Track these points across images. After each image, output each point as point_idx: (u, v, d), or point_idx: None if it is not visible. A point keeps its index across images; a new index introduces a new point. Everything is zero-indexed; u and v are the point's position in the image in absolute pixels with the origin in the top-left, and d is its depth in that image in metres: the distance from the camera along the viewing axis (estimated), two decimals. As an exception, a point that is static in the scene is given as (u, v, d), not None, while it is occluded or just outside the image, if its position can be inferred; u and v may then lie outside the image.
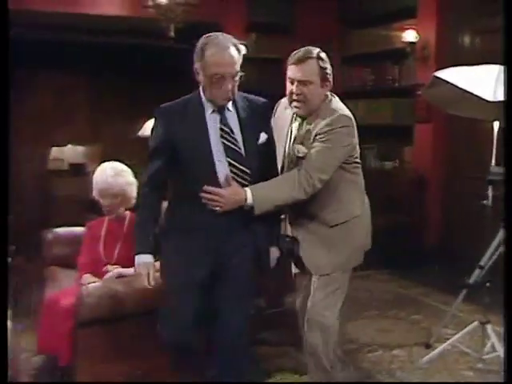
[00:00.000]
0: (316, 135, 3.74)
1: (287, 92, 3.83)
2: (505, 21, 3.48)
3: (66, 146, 9.28)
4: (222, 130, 3.60)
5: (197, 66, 3.50)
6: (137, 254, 3.64)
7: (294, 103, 3.80)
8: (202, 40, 3.53)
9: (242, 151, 3.63)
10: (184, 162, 3.61)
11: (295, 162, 3.85)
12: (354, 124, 3.83)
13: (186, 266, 3.65)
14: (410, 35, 8.23)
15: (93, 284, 4.31)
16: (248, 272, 3.81)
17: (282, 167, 3.96)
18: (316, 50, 3.90)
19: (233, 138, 3.63)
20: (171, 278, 3.73)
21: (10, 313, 3.67)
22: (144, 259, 3.62)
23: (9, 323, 3.58)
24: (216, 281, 3.72)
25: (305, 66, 3.78)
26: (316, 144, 3.73)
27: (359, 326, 6.09)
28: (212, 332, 3.87)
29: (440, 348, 5.14)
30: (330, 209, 3.95)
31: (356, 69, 9.46)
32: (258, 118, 3.72)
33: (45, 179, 9.09)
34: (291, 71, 3.79)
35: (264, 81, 8.82)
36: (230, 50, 3.48)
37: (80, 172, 8.91)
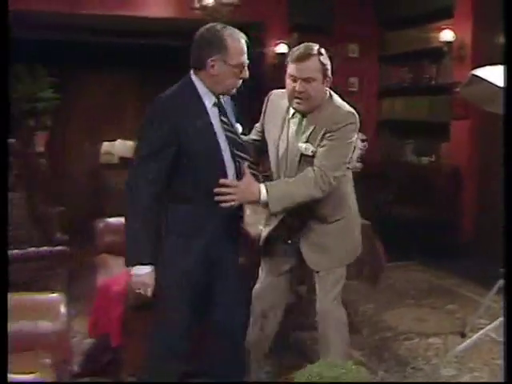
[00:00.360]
0: (325, 133, 3.68)
1: (288, 89, 3.73)
2: (505, 20, 3.43)
3: (115, 141, 9.40)
4: (223, 122, 3.51)
5: (216, 57, 3.36)
6: (138, 265, 3.40)
7: (297, 100, 3.71)
8: (215, 31, 3.42)
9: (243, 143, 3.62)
10: (192, 159, 3.41)
11: (299, 159, 3.79)
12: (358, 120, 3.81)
13: (185, 269, 3.51)
14: (446, 35, 8.18)
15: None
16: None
17: (278, 163, 3.88)
18: (316, 47, 3.78)
19: (234, 129, 3.59)
20: (170, 281, 3.52)
21: (64, 298, 3.74)
22: (147, 270, 3.40)
23: (62, 308, 3.67)
24: (216, 281, 3.66)
25: (307, 63, 3.68)
26: (327, 142, 3.69)
27: (396, 314, 6.13)
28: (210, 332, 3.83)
29: (474, 337, 5.14)
30: (330, 205, 3.91)
31: (394, 68, 9.44)
32: (232, 111, 3.67)
33: (96, 172, 9.21)
34: (293, 69, 3.69)
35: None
36: (244, 40, 3.45)
37: (129, 165, 8.95)
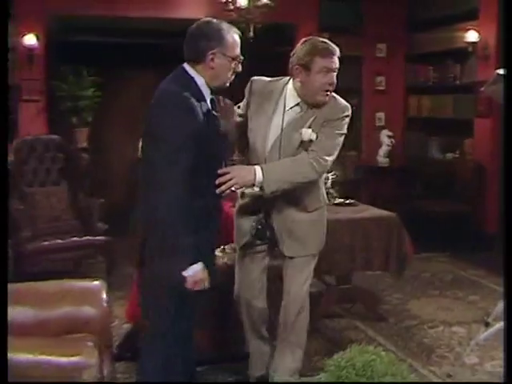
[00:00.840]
0: (324, 122, 3.70)
1: (319, 83, 3.65)
2: (505, 20, 3.36)
3: (154, 136, 9.41)
4: (215, 116, 3.39)
5: (216, 50, 3.27)
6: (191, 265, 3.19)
7: (327, 93, 3.70)
8: (213, 24, 3.35)
9: None
10: (208, 152, 3.27)
11: (297, 145, 3.74)
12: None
13: None
14: (471, 36, 8.11)
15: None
16: None
17: (267, 150, 3.79)
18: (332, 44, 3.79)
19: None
20: None
21: (105, 285, 3.75)
22: (199, 266, 3.20)
23: (103, 294, 3.68)
24: None
25: (337, 56, 3.73)
26: (326, 130, 3.70)
27: (421, 303, 6.10)
28: None
29: (497, 326, 5.07)
30: (310, 195, 3.90)
31: (420, 67, 9.36)
32: None
33: (134, 166, 9.23)
34: (331, 62, 3.69)
35: (338, 76, 8.78)
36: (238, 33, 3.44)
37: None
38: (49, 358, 2.84)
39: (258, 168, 3.54)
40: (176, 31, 8.97)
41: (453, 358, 4.84)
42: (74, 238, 6.39)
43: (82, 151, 7.67)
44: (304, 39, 3.82)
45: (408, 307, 5.98)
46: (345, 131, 3.80)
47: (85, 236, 6.47)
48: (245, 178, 3.50)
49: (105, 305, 3.63)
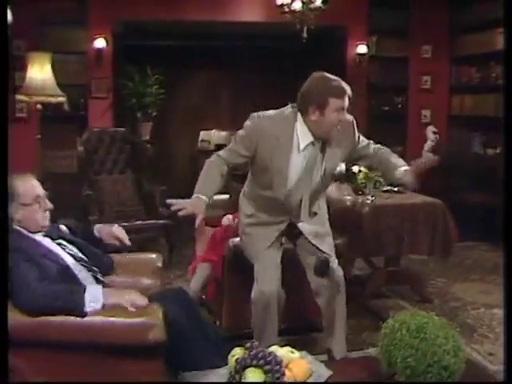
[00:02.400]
0: (357, 143, 3.73)
1: (335, 120, 3.47)
2: (505, 20, 3.19)
3: (212, 130, 9.45)
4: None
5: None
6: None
7: (336, 129, 3.52)
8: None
9: None
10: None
11: (318, 180, 3.63)
12: None
13: None
14: (513, 37, 7.90)
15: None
16: None
17: (295, 186, 3.62)
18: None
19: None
20: None
21: (161, 258, 3.79)
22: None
23: (159, 266, 3.71)
24: None
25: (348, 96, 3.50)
26: (364, 142, 3.77)
27: (464, 287, 5.98)
28: None
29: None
30: (321, 200, 3.83)
31: (464, 67, 9.18)
32: None
33: (195, 156, 9.29)
34: (344, 102, 3.46)
35: (387, 76, 9.07)
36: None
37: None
38: (117, 319, 2.83)
39: None
40: (233, 34, 9.09)
41: (493, 338, 4.75)
42: (139, 222, 6.40)
43: (145, 143, 7.66)
44: (314, 75, 3.59)
45: (452, 290, 5.87)
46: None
47: (148, 220, 6.49)
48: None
49: (161, 276, 3.68)
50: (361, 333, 4.76)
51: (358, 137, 3.73)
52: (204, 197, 3.47)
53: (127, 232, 5.95)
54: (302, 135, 3.54)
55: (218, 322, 4.40)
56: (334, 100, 3.43)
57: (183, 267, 6.20)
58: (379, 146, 3.81)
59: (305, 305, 4.31)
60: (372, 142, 3.83)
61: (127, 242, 3.50)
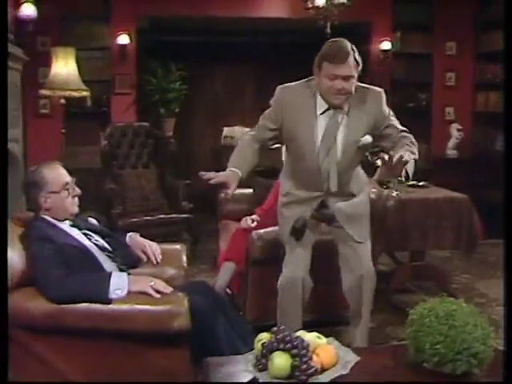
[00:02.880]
0: (384, 117, 3.54)
1: (331, 87, 3.33)
2: (505, 20, 3.12)
3: (235, 126, 9.42)
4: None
5: None
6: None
7: (338, 96, 3.36)
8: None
9: None
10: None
11: (354, 150, 3.54)
12: None
13: None
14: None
15: (264, 230, 4.32)
16: None
17: (315, 155, 3.51)
18: (349, 44, 3.37)
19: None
20: None
21: (184, 249, 3.77)
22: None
23: (183, 257, 3.70)
24: None
25: (349, 63, 3.29)
26: (393, 122, 3.60)
27: (488, 284, 5.92)
28: None
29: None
30: (354, 181, 3.69)
31: (488, 64, 9.08)
32: None
33: (218, 152, 9.28)
34: (338, 69, 3.28)
35: (411, 72, 8.99)
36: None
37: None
38: (142, 306, 2.83)
39: None
40: (256, 29, 9.08)
41: (519, 334, 4.66)
42: (161, 216, 6.41)
43: (169, 138, 7.68)
44: (331, 40, 3.49)
45: (476, 286, 5.82)
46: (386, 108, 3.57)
47: (171, 214, 6.48)
48: None
49: (185, 266, 3.66)
50: (385, 327, 4.74)
51: (388, 113, 3.59)
52: (237, 170, 3.41)
53: (150, 225, 6.07)
54: (320, 102, 3.48)
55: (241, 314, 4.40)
56: (326, 64, 3.31)
57: (206, 261, 6.24)
58: (404, 133, 3.60)
59: (332, 297, 4.27)
60: (401, 127, 3.63)
61: (155, 261, 3.44)
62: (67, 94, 6.43)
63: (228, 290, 4.71)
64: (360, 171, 3.81)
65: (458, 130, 8.80)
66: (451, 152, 8.86)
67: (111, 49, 8.30)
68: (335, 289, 3.86)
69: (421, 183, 5.53)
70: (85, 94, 6.63)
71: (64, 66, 6.41)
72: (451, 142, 8.84)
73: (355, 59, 3.33)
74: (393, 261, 6.00)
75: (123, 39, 8.20)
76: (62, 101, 6.57)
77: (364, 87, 3.51)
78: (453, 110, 9.07)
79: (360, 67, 3.38)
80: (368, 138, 3.50)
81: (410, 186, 5.43)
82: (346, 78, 3.31)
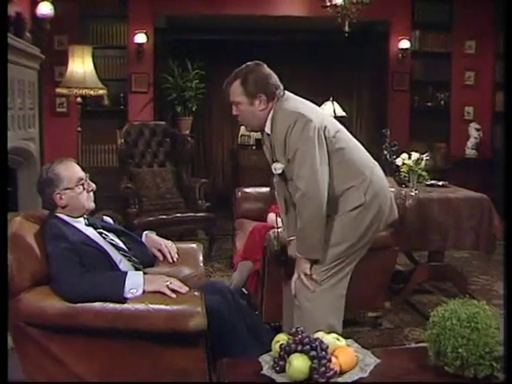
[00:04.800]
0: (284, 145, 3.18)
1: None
2: (505, 20, 3.02)
3: (252, 125, 9.42)
4: None
5: None
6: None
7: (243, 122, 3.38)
8: None
9: None
10: None
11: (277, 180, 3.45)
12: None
13: None
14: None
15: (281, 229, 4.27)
16: None
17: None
18: (242, 71, 3.28)
19: None
20: None
21: (201, 248, 3.68)
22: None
23: (200, 256, 3.60)
24: None
25: (232, 89, 3.26)
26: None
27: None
28: None
29: None
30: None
31: (508, 63, 9.00)
32: None
33: (234, 152, 9.26)
34: (227, 94, 3.31)
35: (429, 71, 8.93)
36: None
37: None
38: (157, 306, 2.79)
39: None
40: (274, 28, 9.04)
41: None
42: (178, 214, 6.38)
43: (186, 137, 7.63)
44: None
45: (495, 288, 5.73)
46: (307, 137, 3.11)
47: (188, 213, 6.45)
48: None
49: (201, 265, 3.57)
50: (403, 329, 4.69)
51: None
52: None
53: (166, 224, 6.05)
54: None
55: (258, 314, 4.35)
56: None
57: (222, 260, 6.21)
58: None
59: (349, 297, 4.20)
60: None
61: (171, 260, 3.42)
62: (84, 92, 6.41)
63: (244, 289, 4.68)
64: None
65: (477, 129, 8.71)
66: (470, 152, 8.77)
67: (128, 47, 8.31)
68: (352, 289, 3.80)
69: (440, 183, 5.47)
70: (102, 92, 6.62)
71: (81, 65, 6.40)
72: (470, 142, 8.76)
73: (242, 85, 3.23)
74: (410, 261, 5.94)
75: (140, 38, 8.21)
76: (79, 99, 6.56)
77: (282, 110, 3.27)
78: (472, 109, 9.00)
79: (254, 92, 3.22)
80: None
81: (429, 185, 5.39)
82: (233, 104, 3.29)
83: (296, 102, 3.29)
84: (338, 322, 3.30)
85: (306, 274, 3.21)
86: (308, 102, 3.40)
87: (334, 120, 3.43)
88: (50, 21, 6.75)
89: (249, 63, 3.33)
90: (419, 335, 4.51)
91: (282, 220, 3.66)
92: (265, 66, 3.33)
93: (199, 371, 2.84)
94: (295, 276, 3.27)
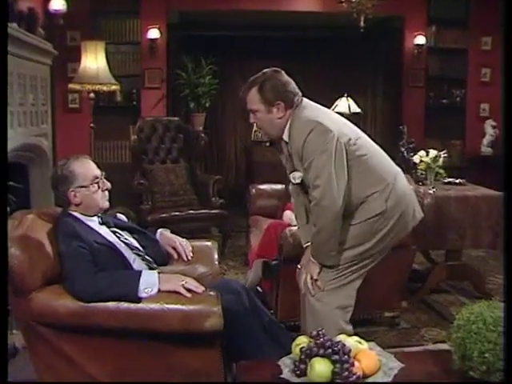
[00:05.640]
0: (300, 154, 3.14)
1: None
2: (505, 21, 2.92)
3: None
4: None
5: None
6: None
7: (263, 130, 3.35)
8: None
9: None
10: None
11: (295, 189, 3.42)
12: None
13: None
14: None
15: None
16: None
17: None
18: (259, 78, 3.21)
19: None
20: None
21: (216, 246, 3.63)
22: None
23: (215, 254, 3.56)
24: None
25: (249, 96, 3.21)
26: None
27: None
28: None
29: None
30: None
31: (525, 60, 8.89)
32: None
33: (248, 148, 9.20)
34: (244, 103, 3.27)
35: (445, 67, 8.81)
36: None
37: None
38: (172, 306, 2.73)
39: None
40: (288, 24, 8.96)
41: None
42: (191, 211, 6.30)
43: (199, 133, 7.56)
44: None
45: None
46: (325, 148, 3.06)
47: (201, 209, 6.38)
48: None
49: (216, 264, 3.53)
50: (420, 328, 4.60)
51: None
52: None
53: (179, 221, 5.98)
54: None
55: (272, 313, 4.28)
56: None
57: (236, 258, 6.15)
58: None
59: (364, 296, 4.12)
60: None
61: (185, 258, 3.37)
62: (97, 87, 6.34)
63: (259, 287, 4.60)
64: None
65: (493, 126, 8.59)
66: (486, 149, 8.65)
67: (141, 43, 8.22)
68: (369, 289, 3.71)
69: (458, 180, 5.38)
70: (114, 87, 6.55)
71: (94, 60, 6.33)
72: (486, 140, 8.64)
73: (260, 93, 3.17)
74: (427, 260, 5.85)
75: (153, 33, 8.13)
76: (92, 95, 6.49)
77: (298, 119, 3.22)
78: (488, 106, 8.87)
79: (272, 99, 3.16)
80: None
81: (446, 183, 5.30)
82: (251, 112, 3.24)
83: (314, 110, 3.24)
84: (345, 322, 3.27)
85: (311, 277, 3.21)
86: (326, 110, 3.37)
87: (354, 126, 3.36)
88: (62, 16, 6.69)
89: (266, 70, 3.27)
90: (436, 335, 4.46)
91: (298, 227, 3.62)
92: (283, 72, 3.27)
93: (215, 373, 2.78)
94: (304, 276, 3.27)
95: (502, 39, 3.01)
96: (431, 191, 4.89)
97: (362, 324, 4.27)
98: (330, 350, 2.12)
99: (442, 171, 5.18)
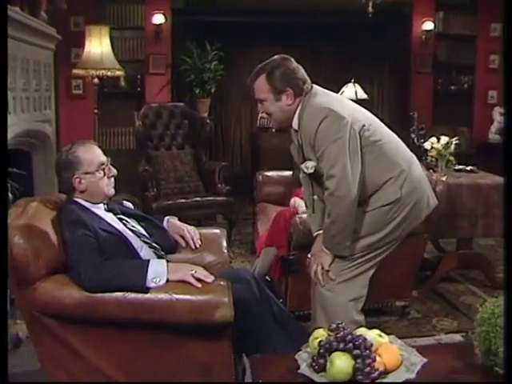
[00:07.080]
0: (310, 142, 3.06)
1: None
2: (505, 21, 2.80)
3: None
4: None
5: None
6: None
7: (271, 120, 3.21)
8: None
9: None
10: None
11: (308, 179, 3.31)
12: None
13: None
14: None
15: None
16: None
17: None
18: (268, 66, 3.10)
19: None
20: None
21: (224, 233, 3.53)
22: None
23: (224, 242, 3.45)
24: None
25: (256, 85, 3.10)
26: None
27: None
28: None
29: None
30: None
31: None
32: None
33: (254, 134, 9.10)
34: (252, 91, 3.15)
35: (453, 54, 8.74)
36: None
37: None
38: (181, 296, 2.62)
39: None
40: (294, 9, 8.81)
41: None
42: (197, 198, 6.20)
43: (204, 119, 7.44)
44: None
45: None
46: (338, 135, 2.96)
47: (207, 196, 6.28)
48: None
49: (225, 252, 3.43)
50: (431, 318, 4.51)
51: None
52: None
53: (184, 208, 5.88)
54: None
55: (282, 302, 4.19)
56: None
57: (243, 246, 6.08)
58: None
59: (376, 285, 4.02)
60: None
61: (193, 246, 3.28)
62: (101, 73, 6.23)
63: (267, 276, 4.50)
64: None
65: (501, 113, 8.47)
66: (494, 137, 8.55)
67: (146, 28, 8.12)
68: (380, 278, 3.61)
69: (468, 168, 5.27)
70: (119, 73, 6.44)
71: (98, 45, 6.22)
72: (494, 127, 8.55)
73: (268, 80, 3.06)
74: (436, 248, 5.74)
75: (158, 19, 8.02)
76: (96, 81, 6.38)
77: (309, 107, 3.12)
78: (496, 93, 8.78)
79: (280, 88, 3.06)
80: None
81: (457, 170, 5.20)
82: (258, 101, 3.14)
83: (325, 97, 3.14)
84: (357, 312, 3.20)
85: (322, 268, 3.12)
86: (338, 96, 3.29)
87: (367, 111, 3.24)
88: (66, 1, 6.57)
89: (275, 57, 3.16)
90: (448, 325, 4.38)
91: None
92: (291, 59, 3.16)
93: (225, 365, 2.69)
94: (315, 266, 3.18)
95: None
96: (443, 178, 4.78)
97: (372, 313, 4.18)
98: (350, 345, 2.00)
99: (452, 158, 5.09)
